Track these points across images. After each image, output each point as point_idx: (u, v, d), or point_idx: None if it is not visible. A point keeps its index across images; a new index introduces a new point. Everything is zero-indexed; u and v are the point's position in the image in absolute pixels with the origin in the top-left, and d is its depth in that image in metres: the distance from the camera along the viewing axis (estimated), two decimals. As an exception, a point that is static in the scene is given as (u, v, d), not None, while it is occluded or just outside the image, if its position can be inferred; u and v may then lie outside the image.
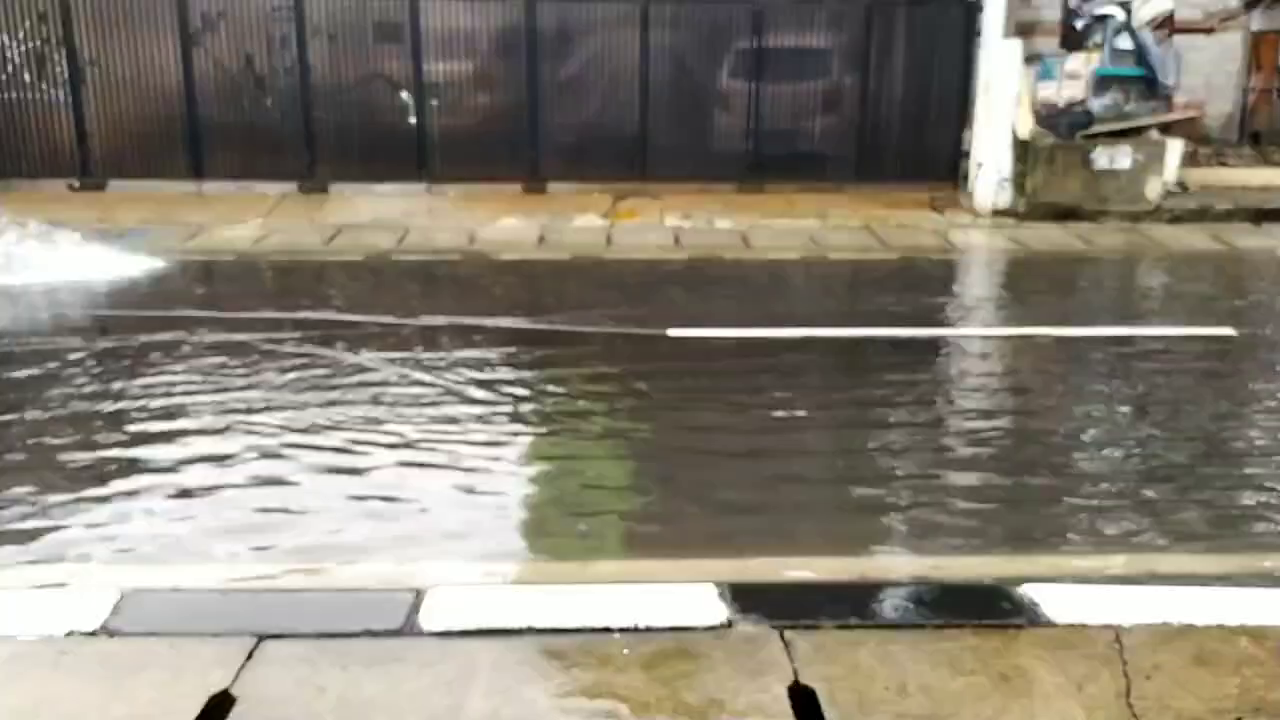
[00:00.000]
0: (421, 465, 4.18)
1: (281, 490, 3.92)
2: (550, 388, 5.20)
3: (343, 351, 5.71)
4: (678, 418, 4.82)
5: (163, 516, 3.69)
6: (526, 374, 5.41)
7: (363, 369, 5.40)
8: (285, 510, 3.74)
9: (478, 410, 4.81)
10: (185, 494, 3.86)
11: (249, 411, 4.72)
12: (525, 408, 4.89)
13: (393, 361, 5.53)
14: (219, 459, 4.19)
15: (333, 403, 4.88)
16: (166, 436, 4.43)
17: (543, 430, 4.65)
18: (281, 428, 4.53)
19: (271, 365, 5.43)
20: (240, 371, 5.32)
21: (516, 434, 4.57)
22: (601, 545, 3.59)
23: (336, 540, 3.51)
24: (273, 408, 4.78)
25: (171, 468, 4.09)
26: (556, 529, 3.71)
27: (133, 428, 4.53)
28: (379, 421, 4.63)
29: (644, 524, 3.75)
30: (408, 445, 4.37)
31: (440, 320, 6.50)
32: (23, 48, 10.52)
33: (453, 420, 4.67)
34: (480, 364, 5.53)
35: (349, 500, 3.86)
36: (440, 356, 5.65)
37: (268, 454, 4.25)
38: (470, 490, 3.97)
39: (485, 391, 5.07)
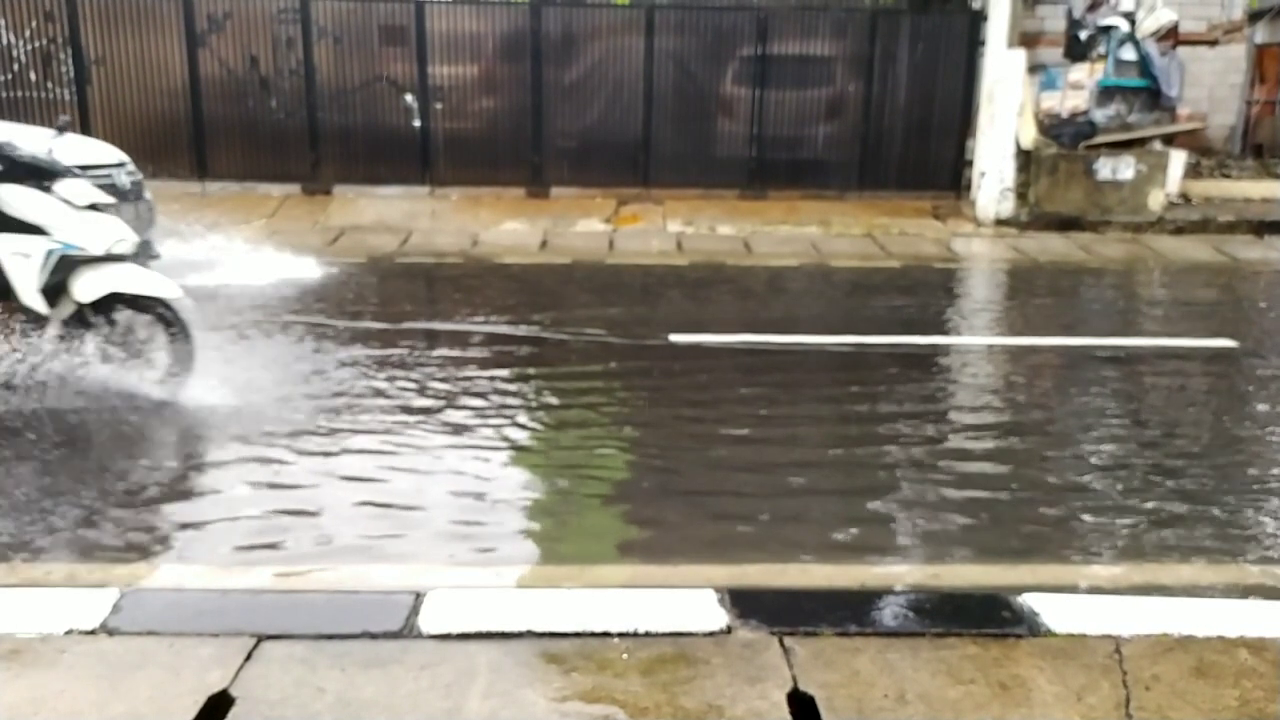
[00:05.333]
0: (404, 468, 4.19)
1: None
2: (549, 392, 5.20)
3: (332, 356, 5.71)
4: (679, 424, 4.82)
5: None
6: (527, 377, 5.41)
7: (357, 375, 5.40)
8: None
9: (469, 418, 4.82)
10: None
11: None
12: (530, 410, 4.90)
13: (381, 364, 5.53)
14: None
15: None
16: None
17: (544, 436, 4.65)
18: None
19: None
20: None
21: (519, 437, 4.58)
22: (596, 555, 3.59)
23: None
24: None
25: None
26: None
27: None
28: (345, 425, 4.64)
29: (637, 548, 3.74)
30: (375, 449, 4.38)
31: (438, 325, 6.50)
32: (29, 46, 10.55)
33: (442, 428, 4.68)
34: (479, 367, 5.54)
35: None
36: (437, 361, 5.65)
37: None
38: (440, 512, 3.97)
39: (483, 396, 5.08)
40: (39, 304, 4.56)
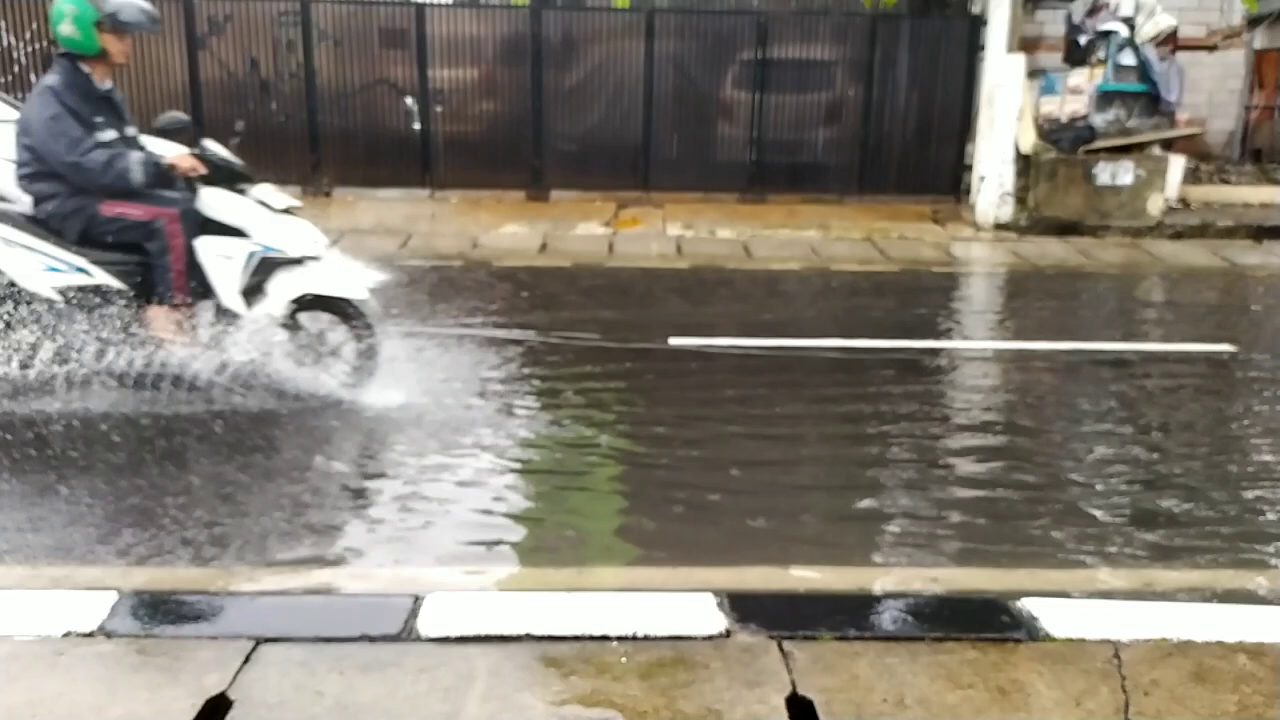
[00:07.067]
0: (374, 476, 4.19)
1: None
2: (549, 394, 5.20)
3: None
4: (679, 426, 4.82)
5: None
6: (525, 378, 5.41)
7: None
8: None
9: (471, 417, 4.82)
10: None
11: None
12: (529, 411, 4.90)
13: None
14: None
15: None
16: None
17: (549, 437, 4.66)
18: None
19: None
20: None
21: (518, 438, 4.58)
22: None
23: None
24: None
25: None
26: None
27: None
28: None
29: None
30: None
31: (436, 328, 6.50)
32: (29, 48, 10.54)
33: (436, 436, 4.68)
34: (475, 368, 5.53)
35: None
36: (433, 363, 5.65)
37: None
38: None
39: (481, 396, 5.08)
40: (238, 304, 4.65)
